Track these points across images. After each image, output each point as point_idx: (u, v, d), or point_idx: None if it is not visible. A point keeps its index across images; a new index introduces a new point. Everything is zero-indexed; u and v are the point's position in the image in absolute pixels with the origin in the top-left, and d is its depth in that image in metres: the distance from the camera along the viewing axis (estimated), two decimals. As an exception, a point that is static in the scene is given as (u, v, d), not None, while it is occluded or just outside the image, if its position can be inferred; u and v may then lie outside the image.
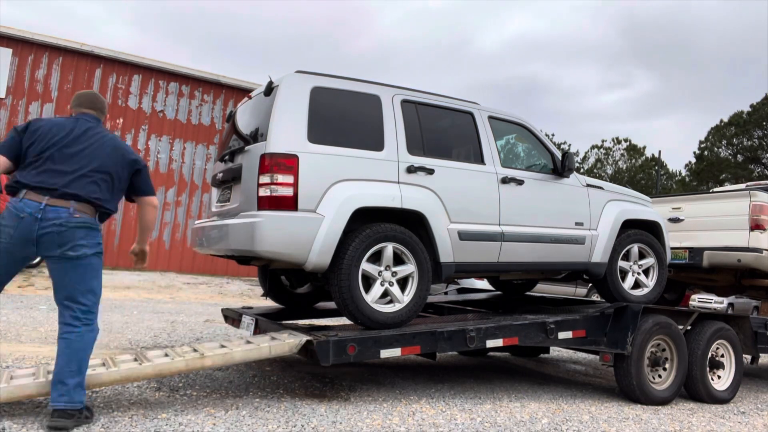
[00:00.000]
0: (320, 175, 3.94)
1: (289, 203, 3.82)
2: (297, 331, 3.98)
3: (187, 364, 3.45)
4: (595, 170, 52.05)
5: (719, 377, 5.23)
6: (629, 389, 4.70)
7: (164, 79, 15.54)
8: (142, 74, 15.28)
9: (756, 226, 6.27)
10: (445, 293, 7.59)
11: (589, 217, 5.20)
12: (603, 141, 52.37)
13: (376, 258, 4.07)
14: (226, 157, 4.57)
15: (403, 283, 4.19)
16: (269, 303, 5.76)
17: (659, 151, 34.04)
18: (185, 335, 6.35)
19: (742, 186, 8.54)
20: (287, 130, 3.94)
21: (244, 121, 4.58)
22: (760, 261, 6.23)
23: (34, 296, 8.77)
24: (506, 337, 4.44)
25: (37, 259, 11.84)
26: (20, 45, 14.05)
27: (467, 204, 4.51)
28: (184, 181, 15.68)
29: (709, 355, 5.10)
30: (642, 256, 5.49)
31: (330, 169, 3.98)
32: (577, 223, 5.12)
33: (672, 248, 6.49)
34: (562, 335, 4.67)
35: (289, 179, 3.83)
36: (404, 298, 4.15)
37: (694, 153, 42.87)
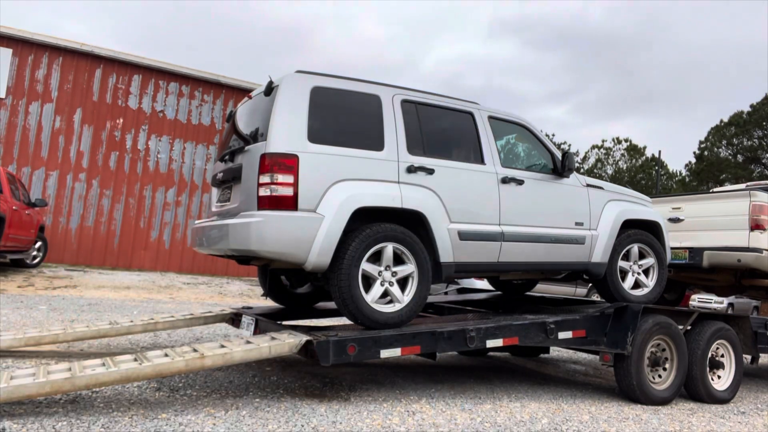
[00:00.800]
0: (320, 175, 3.94)
1: (289, 203, 3.82)
2: (297, 331, 3.98)
3: (187, 364, 3.45)
4: (595, 170, 52.04)
5: (719, 377, 5.23)
6: (629, 389, 4.70)
7: (164, 79, 15.54)
8: (142, 74, 15.28)
9: (756, 226, 6.27)
10: (445, 293, 7.59)
11: (589, 217, 5.20)
12: (603, 141, 52.37)
13: (376, 258, 4.07)
14: (226, 157, 4.57)
15: (403, 283, 4.19)
16: (269, 303, 5.76)
17: (659, 151, 34.05)
18: (185, 335, 6.35)
19: (742, 186, 8.54)
20: (287, 129, 3.94)
21: (244, 121, 4.58)
22: (760, 261, 6.23)
23: (33, 296, 8.77)
24: (506, 337, 4.44)
25: (37, 260, 11.85)
26: (20, 45, 14.05)
27: (467, 204, 4.51)
28: (184, 181, 15.68)
29: (709, 355, 5.10)
30: (642, 256, 5.49)
31: (330, 168, 3.98)
32: (577, 223, 5.12)
33: (672, 248, 6.49)
34: (562, 335, 4.67)
35: (289, 179, 3.83)
36: (404, 298, 4.15)
37: (694, 153, 42.88)
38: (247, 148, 4.20)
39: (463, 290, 7.67)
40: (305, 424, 3.38)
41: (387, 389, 4.45)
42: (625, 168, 50.24)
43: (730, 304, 19.24)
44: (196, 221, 5.02)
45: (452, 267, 4.39)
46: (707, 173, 40.37)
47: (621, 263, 5.33)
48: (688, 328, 5.10)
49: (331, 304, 5.42)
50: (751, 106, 39.89)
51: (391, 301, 4.14)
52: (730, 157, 40.96)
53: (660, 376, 4.88)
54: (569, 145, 51.00)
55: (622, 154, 51.01)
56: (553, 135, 56.63)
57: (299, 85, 4.09)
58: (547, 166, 5.14)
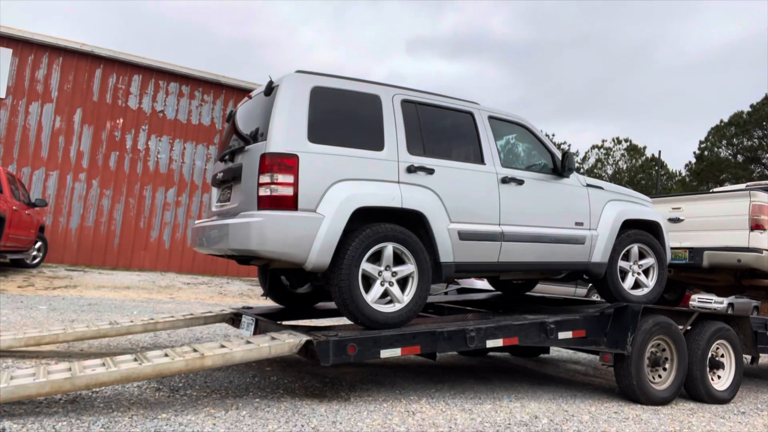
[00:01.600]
0: (320, 175, 3.94)
1: (289, 203, 3.82)
2: (297, 331, 3.98)
3: (187, 364, 3.45)
4: (595, 170, 52.05)
5: (719, 377, 5.23)
6: (629, 389, 4.70)
7: (164, 79, 15.54)
8: (142, 74, 15.28)
9: (756, 226, 6.27)
10: (445, 293, 7.59)
11: (589, 216, 5.20)
12: (603, 141, 52.39)
13: (376, 258, 4.07)
14: (226, 157, 4.57)
15: (403, 283, 4.19)
16: (269, 303, 5.76)
17: (659, 151, 34.05)
18: (185, 335, 6.35)
19: (742, 186, 8.54)
20: (287, 129, 3.94)
21: (245, 121, 4.58)
22: (760, 261, 6.23)
23: (33, 296, 8.77)
24: (506, 337, 4.44)
25: (37, 260, 11.85)
26: (20, 45, 14.05)
27: (467, 204, 4.51)
28: (184, 181, 15.68)
29: (709, 355, 5.10)
30: (642, 256, 5.49)
31: (330, 168, 3.98)
32: (577, 223, 5.12)
33: (672, 248, 6.49)
34: (562, 335, 4.67)
35: (289, 179, 3.83)
36: (404, 298, 4.15)
37: (694, 153, 42.88)
38: (247, 148, 4.20)
39: (463, 290, 7.67)
40: (305, 424, 3.38)
41: (387, 389, 4.45)
42: (625, 168, 50.26)
43: (730, 304, 19.24)
44: (196, 221, 5.02)
45: (452, 267, 4.39)
46: (707, 173, 40.38)
47: (621, 263, 5.33)
48: (688, 328, 5.10)
49: (332, 304, 5.42)
50: (751, 106, 39.90)
51: (391, 301, 4.14)
52: (730, 157, 40.97)
53: (660, 376, 4.88)
54: (569, 145, 51.05)
55: (622, 154, 51.03)
56: (553, 135, 56.64)
57: (299, 84, 4.09)
58: (547, 166, 5.14)
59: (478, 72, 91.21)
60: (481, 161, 4.71)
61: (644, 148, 50.17)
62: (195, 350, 3.63)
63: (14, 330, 5.23)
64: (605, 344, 4.82)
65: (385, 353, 3.95)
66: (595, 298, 17.32)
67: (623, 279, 5.34)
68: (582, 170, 53.52)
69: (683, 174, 46.29)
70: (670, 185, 46.29)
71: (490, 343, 4.39)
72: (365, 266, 3.99)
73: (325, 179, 3.94)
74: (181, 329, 6.44)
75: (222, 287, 12.60)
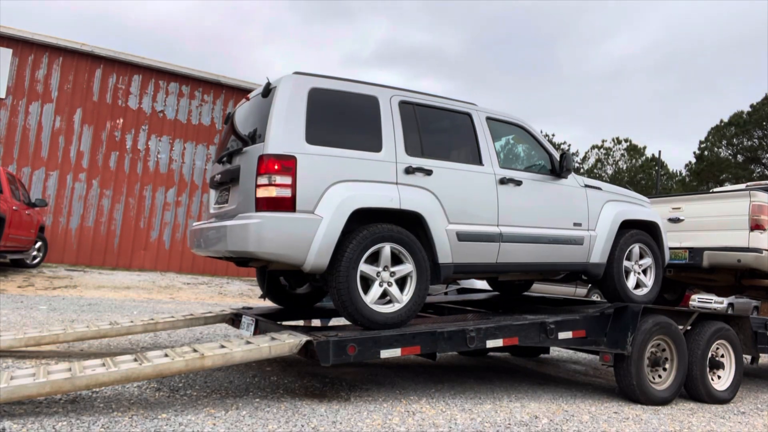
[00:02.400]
0: (318, 176, 3.94)
1: (288, 204, 3.82)
2: (297, 332, 3.98)
3: (187, 364, 3.45)
4: (595, 170, 52.04)
5: (719, 377, 5.23)
6: (629, 389, 4.70)
7: (164, 79, 15.54)
8: (142, 74, 15.29)
9: (756, 226, 6.27)
10: (445, 293, 7.59)
11: (588, 217, 5.20)
12: (603, 141, 52.37)
13: (374, 259, 4.07)
14: (224, 159, 4.57)
15: (401, 283, 4.19)
16: (269, 303, 5.76)
17: (659, 151, 34.03)
18: (185, 336, 6.36)
19: (742, 186, 8.54)
20: (285, 131, 3.94)
21: (242, 123, 4.58)
22: (760, 261, 6.23)
23: (34, 296, 8.77)
24: (506, 337, 4.44)
25: (37, 260, 11.86)
26: (20, 45, 14.06)
27: (465, 205, 4.51)
28: (184, 181, 15.69)
29: (709, 355, 5.10)
30: (641, 256, 5.49)
31: (328, 170, 3.98)
32: (575, 224, 5.13)
33: (672, 248, 6.50)
34: (562, 335, 4.67)
35: (287, 180, 3.83)
36: (403, 298, 4.15)
37: (694, 153, 42.86)
38: (245, 149, 4.20)
39: (463, 290, 7.67)
40: (305, 424, 3.38)
41: (387, 389, 4.45)
42: (625, 168, 50.25)
43: (730, 305, 19.24)
44: (194, 223, 5.02)
45: (451, 268, 4.39)
46: (707, 173, 40.37)
47: (625, 263, 5.33)
48: (688, 328, 5.10)
49: (331, 304, 5.41)
50: (751, 106, 39.89)
51: (390, 302, 4.14)
52: (730, 157, 40.96)
53: (660, 376, 4.88)
54: (569, 145, 51.03)
55: (622, 154, 51.01)
56: (553, 135, 56.62)
57: (297, 86, 4.09)
58: (545, 166, 5.14)
59: (412, 77, 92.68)
60: (480, 162, 4.71)
61: (644, 148, 50.16)
62: (195, 350, 3.63)
63: (14, 330, 5.23)
64: (605, 344, 4.82)
65: (385, 353, 3.95)
66: (596, 298, 17.32)
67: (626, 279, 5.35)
68: (582, 170, 53.55)
69: (683, 174, 46.29)
70: (670, 185, 46.29)
71: (490, 343, 4.39)
72: (363, 267, 3.99)
73: (323, 180, 3.94)
74: (181, 330, 6.45)
75: (222, 287, 12.61)
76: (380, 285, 4.08)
